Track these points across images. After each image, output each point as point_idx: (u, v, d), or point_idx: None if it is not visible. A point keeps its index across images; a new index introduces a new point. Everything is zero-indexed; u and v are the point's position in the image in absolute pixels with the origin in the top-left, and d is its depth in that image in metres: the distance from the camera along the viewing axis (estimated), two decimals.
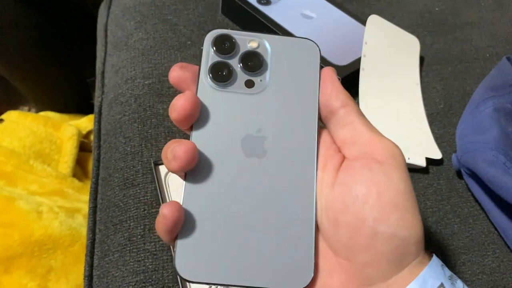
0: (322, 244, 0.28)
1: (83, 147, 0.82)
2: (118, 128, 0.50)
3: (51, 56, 0.85)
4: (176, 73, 0.29)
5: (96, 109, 0.54)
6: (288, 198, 0.27)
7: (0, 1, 0.72)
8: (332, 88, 0.29)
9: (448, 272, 0.28)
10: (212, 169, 0.27)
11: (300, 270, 0.26)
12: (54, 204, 0.64)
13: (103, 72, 0.57)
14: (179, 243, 0.26)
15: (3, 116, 0.76)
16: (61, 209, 0.63)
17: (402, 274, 0.26)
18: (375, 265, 0.26)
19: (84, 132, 0.81)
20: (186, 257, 0.26)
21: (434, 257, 0.28)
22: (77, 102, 0.98)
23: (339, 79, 0.30)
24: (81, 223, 0.64)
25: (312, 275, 0.26)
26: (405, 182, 0.26)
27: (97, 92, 0.56)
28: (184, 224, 0.26)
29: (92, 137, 0.81)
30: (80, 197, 0.69)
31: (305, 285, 0.26)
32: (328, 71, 0.30)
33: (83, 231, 0.63)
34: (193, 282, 0.26)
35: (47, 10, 0.79)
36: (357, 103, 0.51)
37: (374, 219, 0.26)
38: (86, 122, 0.83)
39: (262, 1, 0.57)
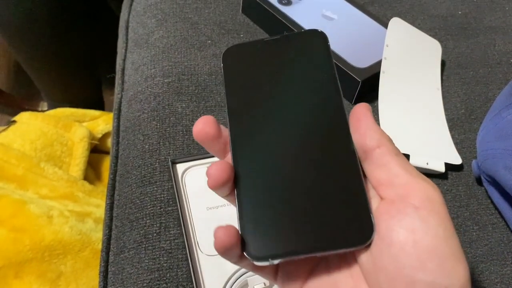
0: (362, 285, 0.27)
1: (95, 149, 0.81)
2: (137, 125, 0.50)
3: (66, 48, 0.86)
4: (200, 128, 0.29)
5: (115, 105, 0.55)
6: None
7: None
8: (366, 126, 0.28)
9: None
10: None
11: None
12: (65, 208, 0.64)
13: (123, 69, 0.57)
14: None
15: (16, 118, 0.76)
16: (71, 214, 0.63)
17: None
18: None
19: (99, 136, 0.81)
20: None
21: None
22: (90, 97, 0.99)
23: (373, 116, 0.29)
24: (91, 227, 0.64)
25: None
26: (444, 228, 0.25)
27: (117, 89, 0.56)
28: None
29: (107, 139, 0.82)
30: (90, 201, 0.69)
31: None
32: (362, 108, 0.28)
33: (93, 236, 0.63)
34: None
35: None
36: (377, 106, 0.51)
37: (411, 267, 0.24)
38: (102, 125, 0.82)
39: (283, 1, 0.57)
